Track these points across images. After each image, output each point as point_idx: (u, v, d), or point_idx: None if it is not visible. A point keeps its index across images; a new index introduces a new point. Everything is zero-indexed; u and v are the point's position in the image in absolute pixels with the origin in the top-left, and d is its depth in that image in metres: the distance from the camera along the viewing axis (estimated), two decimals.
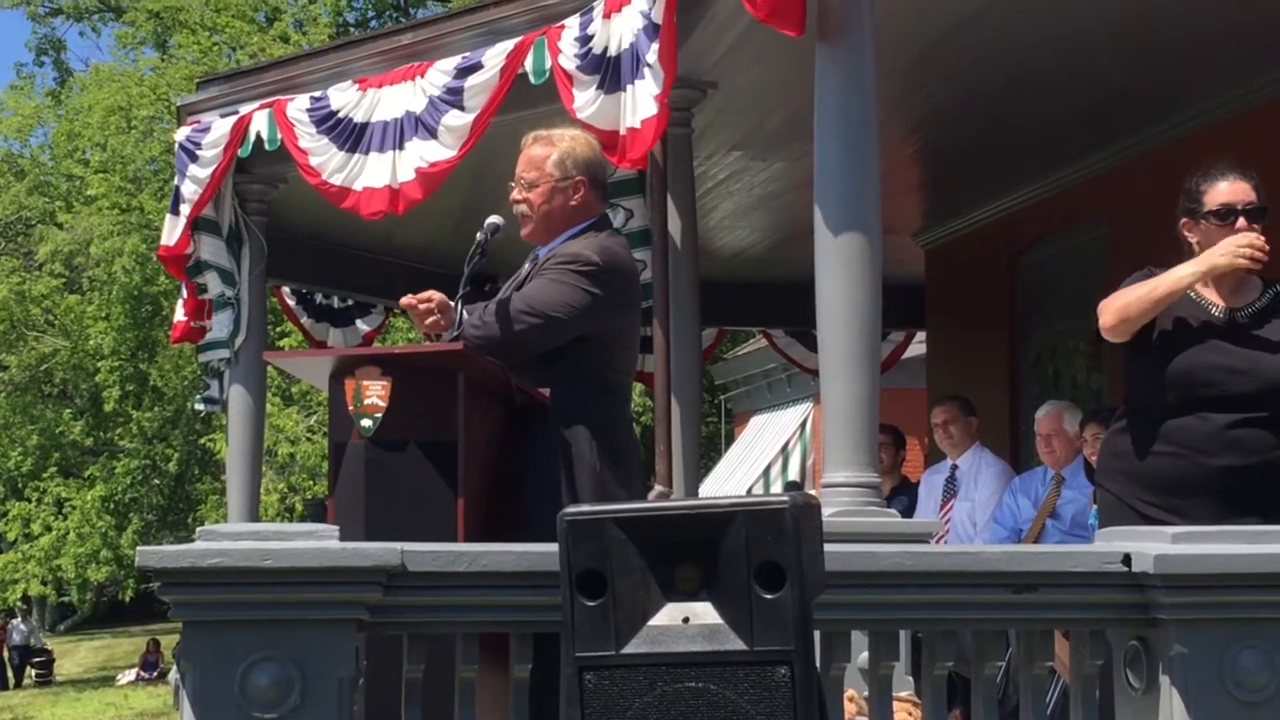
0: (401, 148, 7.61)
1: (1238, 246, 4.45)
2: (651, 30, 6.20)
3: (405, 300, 4.64)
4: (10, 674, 30.94)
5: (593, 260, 4.47)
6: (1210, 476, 4.45)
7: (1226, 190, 4.57)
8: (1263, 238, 4.46)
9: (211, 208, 8.71)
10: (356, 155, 7.81)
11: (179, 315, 9.46)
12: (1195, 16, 6.98)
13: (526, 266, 4.71)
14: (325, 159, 7.90)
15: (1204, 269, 4.48)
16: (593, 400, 4.48)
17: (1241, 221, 4.52)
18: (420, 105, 7.55)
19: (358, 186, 7.80)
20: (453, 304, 4.60)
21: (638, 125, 6.38)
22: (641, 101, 6.36)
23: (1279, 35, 7.15)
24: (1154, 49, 7.40)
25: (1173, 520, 4.11)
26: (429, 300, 4.58)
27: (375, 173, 7.71)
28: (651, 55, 6.20)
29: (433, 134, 7.47)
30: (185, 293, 9.27)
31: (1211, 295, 4.60)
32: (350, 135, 7.84)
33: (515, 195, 4.70)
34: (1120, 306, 4.54)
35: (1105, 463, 4.81)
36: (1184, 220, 4.65)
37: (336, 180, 7.86)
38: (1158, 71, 7.74)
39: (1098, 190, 9.31)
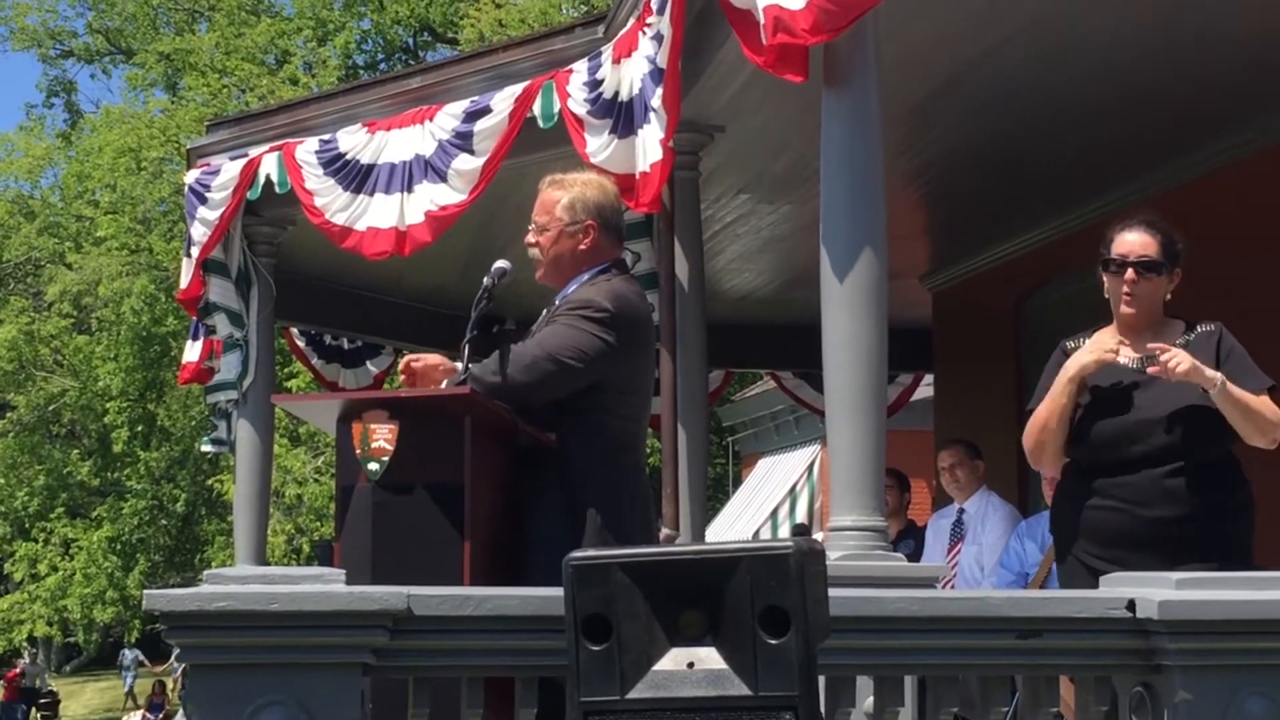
0: (410, 190, 7.63)
1: (1091, 351, 4.68)
2: (656, 75, 6.24)
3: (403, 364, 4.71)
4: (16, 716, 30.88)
5: (605, 307, 4.48)
6: (1149, 527, 4.55)
7: (1125, 242, 4.74)
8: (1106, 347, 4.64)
9: (220, 249, 8.74)
10: (361, 196, 7.83)
11: (191, 356, 9.47)
12: (1199, 62, 7.02)
13: (545, 313, 4.73)
14: (330, 199, 7.92)
15: (1072, 372, 4.71)
16: (596, 445, 4.47)
17: (1130, 273, 4.68)
18: (429, 149, 7.58)
19: (360, 226, 7.82)
20: (452, 363, 4.63)
21: (648, 169, 6.42)
22: (649, 146, 6.40)
23: None
24: (1158, 95, 7.43)
25: (1116, 572, 4.15)
26: (415, 362, 4.64)
27: (381, 214, 7.73)
28: (656, 100, 6.23)
29: (442, 177, 7.49)
30: (201, 333, 9.28)
31: (1125, 350, 4.73)
32: (356, 176, 7.87)
33: (528, 238, 4.73)
34: (1034, 445, 4.78)
35: (1055, 513, 4.94)
36: (1100, 267, 4.82)
37: (339, 220, 7.88)
38: (1162, 117, 7.77)
39: (1104, 233, 9.31)
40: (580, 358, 4.42)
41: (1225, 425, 4.55)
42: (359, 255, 7.91)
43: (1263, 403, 4.54)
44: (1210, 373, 4.51)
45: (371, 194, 7.78)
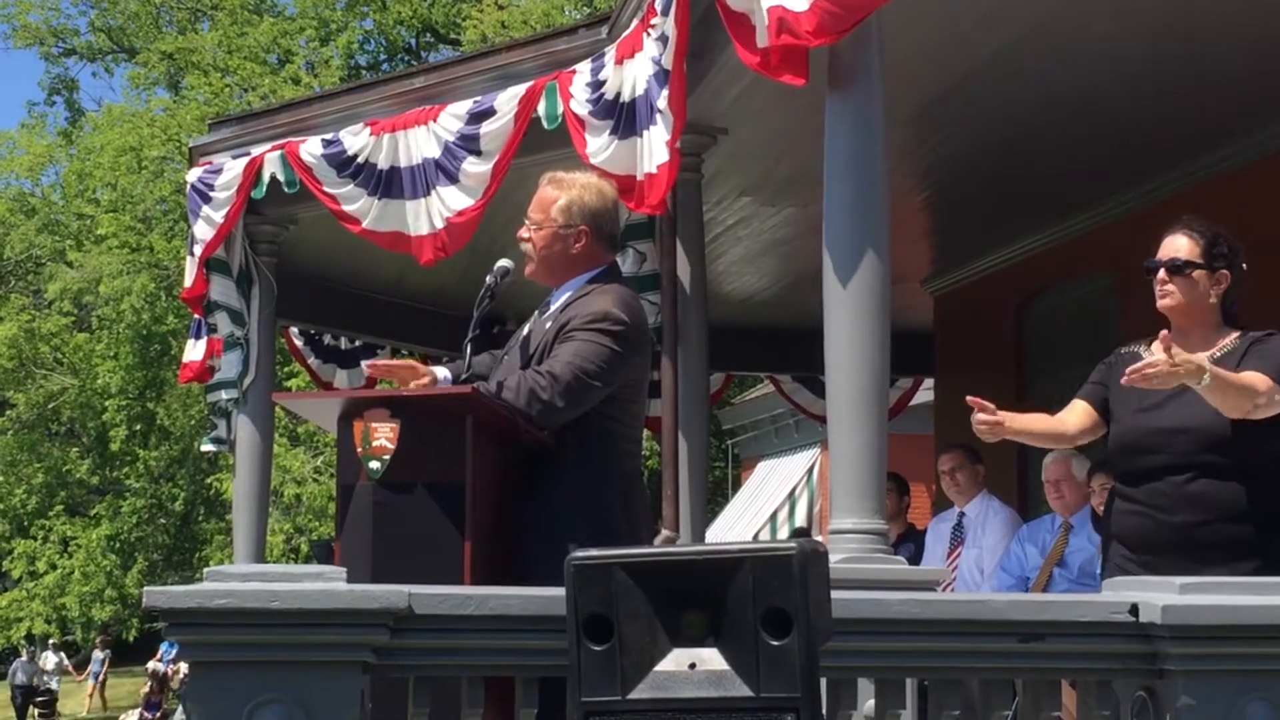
0: (429, 194, 7.61)
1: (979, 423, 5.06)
2: (662, 76, 6.22)
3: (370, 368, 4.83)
4: (14, 714, 30.82)
5: (622, 319, 4.49)
6: (1172, 532, 4.59)
7: (1162, 247, 4.80)
8: (990, 411, 5.13)
9: (222, 249, 8.73)
10: (391, 201, 7.77)
11: (193, 355, 9.45)
12: (1203, 70, 7.01)
13: (537, 314, 4.72)
14: (359, 206, 7.87)
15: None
16: (596, 447, 4.47)
17: (1161, 273, 4.75)
18: (436, 151, 7.56)
19: (410, 232, 7.76)
20: (427, 368, 4.65)
21: (654, 171, 6.40)
22: (656, 147, 6.38)
23: None
24: (1162, 101, 7.43)
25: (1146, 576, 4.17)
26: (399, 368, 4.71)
27: (416, 219, 7.69)
28: (662, 101, 6.21)
29: (454, 180, 7.48)
30: (204, 332, 9.25)
31: (1155, 356, 4.71)
32: (379, 181, 7.81)
33: (522, 233, 4.73)
34: None
35: (1104, 516, 5.07)
36: None
37: (382, 227, 7.81)
38: (1165, 123, 7.76)
39: (1106, 239, 9.32)
40: (604, 376, 4.43)
41: (1247, 433, 4.54)
42: (415, 260, 7.88)
43: (1247, 377, 4.51)
44: (1195, 366, 4.34)
45: (402, 198, 7.74)
